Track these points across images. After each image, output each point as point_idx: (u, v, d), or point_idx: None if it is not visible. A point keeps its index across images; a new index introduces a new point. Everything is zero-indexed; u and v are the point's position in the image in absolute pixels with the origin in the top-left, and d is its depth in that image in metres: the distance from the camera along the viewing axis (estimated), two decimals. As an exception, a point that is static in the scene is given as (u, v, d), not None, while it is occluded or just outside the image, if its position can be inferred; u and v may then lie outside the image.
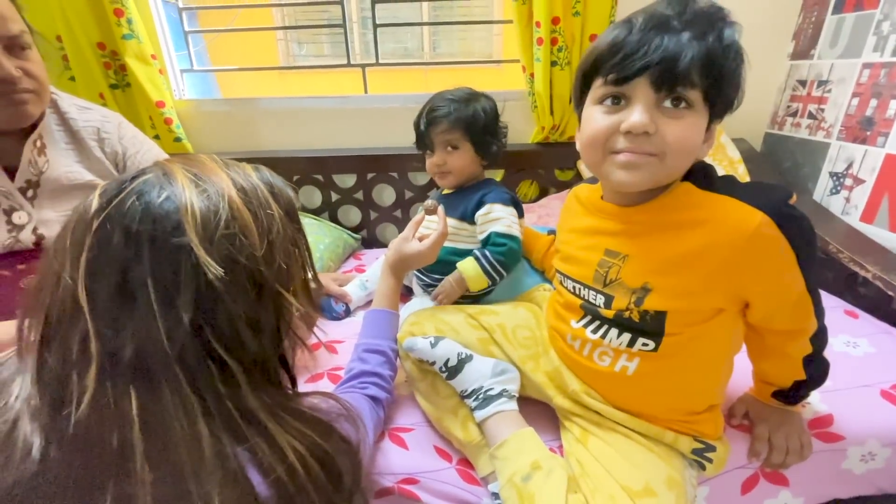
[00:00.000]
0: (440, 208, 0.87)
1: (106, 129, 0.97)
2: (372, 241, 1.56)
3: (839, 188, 1.26)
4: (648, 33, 0.52)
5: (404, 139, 1.51)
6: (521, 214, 0.96)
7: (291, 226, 0.45)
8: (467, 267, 0.90)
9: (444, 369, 0.74)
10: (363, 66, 1.58)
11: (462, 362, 0.74)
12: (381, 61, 1.59)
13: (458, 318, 0.83)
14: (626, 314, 0.62)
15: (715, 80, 0.53)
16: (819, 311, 0.62)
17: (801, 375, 0.66)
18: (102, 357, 0.35)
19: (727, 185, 0.58)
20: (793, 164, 1.41)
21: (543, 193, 1.50)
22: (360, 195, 1.50)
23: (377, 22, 1.52)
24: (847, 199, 1.23)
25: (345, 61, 1.57)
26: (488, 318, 0.84)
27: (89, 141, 0.95)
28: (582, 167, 1.44)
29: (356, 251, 1.43)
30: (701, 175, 0.60)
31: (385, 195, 1.53)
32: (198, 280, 0.37)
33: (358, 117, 1.50)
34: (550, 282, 1.02)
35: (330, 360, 0.95)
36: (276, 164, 1.43)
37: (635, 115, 0.53)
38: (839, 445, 0.73)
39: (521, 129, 1.48)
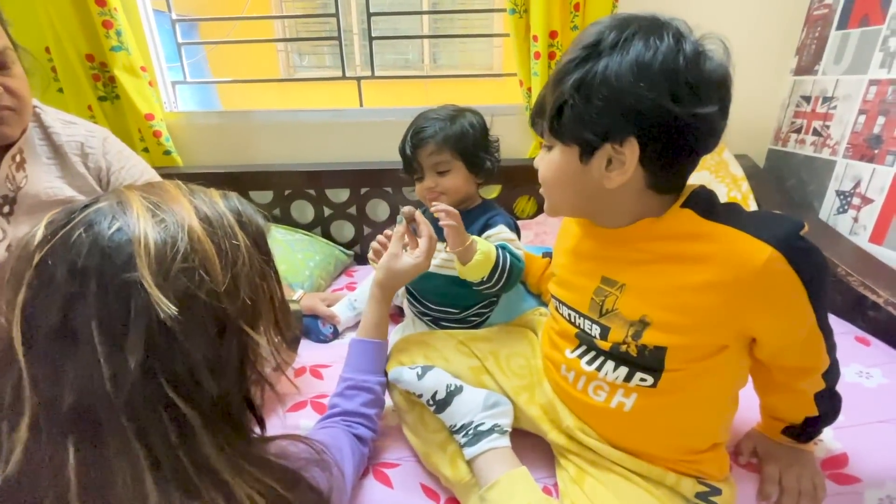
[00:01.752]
0: (418, 213, 0.80)
1: (90, 144, 0.94)
2: (365, 257, 1.52)
3: (846, 207, 1.22)
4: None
5: (397, 154, 1.48)
6: (518, 237, 0.92)
7: (259, 257, 0.41)
8: (485, 249, 0.77)
9: (431, 402, 0.70)
10: (358, 79, 1.56)
11: (451, 395, 0.70)
12: (377, 74, 1.56)
13: (449, 344, 0.79)
14: (623, 347, 0.58)
15: (552, 120, 0.54)
16: (831, 347, 0.58)
17: (814, 412, 0.62)
18: (37, 406, 0.32)
19: (732, 216, 0.54)
20: (797, 182, 1.37)
21: (541, 209, 1.46)
22: (353, 210, 1.47)
23: (373, 35, 1.50)
24: (855, 219, 1.19)
25: (340, 73, 1.55)
26: (480, 344, 0.79)
27: (72, 156, 0.92)
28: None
29: (348, 268, 1.39)
30: (702, 202, 0.56)
31: (379, 210, 1.50)
32: (149, 319, 0.33)
33: (353, 131, 1.47)
34: (547, 305, 0.98)
35: (315, 387, 0.91)
36: (269, 177, 1.41)
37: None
38: (855, 488, 0.68)
39: (519, 144, 1.45)
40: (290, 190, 1.43)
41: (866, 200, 1.16)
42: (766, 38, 1.36)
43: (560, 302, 0.70)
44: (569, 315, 0.67)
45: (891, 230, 1.10)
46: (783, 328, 0.54)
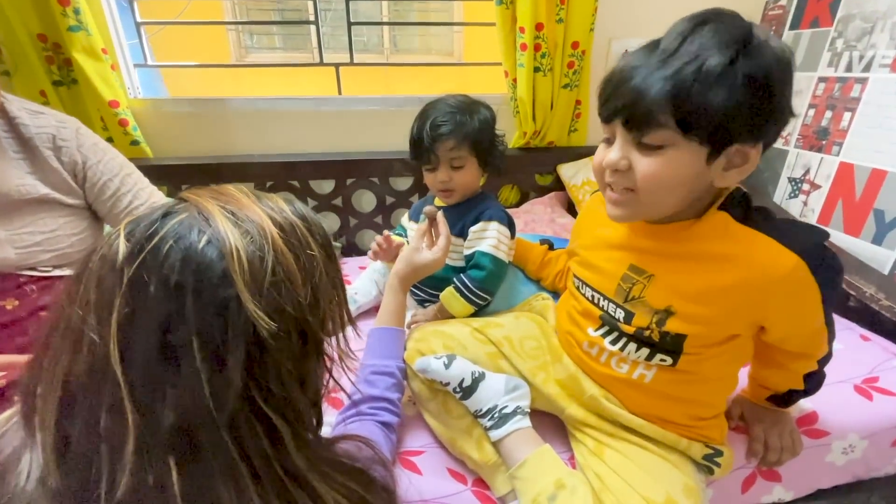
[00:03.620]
0: (440, 214, 0.85)
1: (63, 136, 0.86)
2: (352, 249, 1.50)
3: (797, 192, 1.35)
4: (629, 73, 0.53)
5: (384, 142, 1.48)
6: (513, 235, 0.95)
7: (332, 266, 0.41)
8: (447, 297, 0.90)
9: (458, 390, 0.73)
10: (336, 66, 1.51)
11: (476, 381, 0.73)
12: (347, 60, 1.52)
13: (464, 332, 0.81)
14: (647, 333, 0.63)
15: (689, 113, 0.50)
16: (831, 338, 0.65)
17: (800, 386, 0.70)
18: (140, 429, 0.31)
19: (764, 222, 0.58)
20: (754, 169, 1.50)
21: (524, 198, 1.51)
22: (338, 201, 1.44)
23: (352, 20, 1.46)
24: (805, 203, 1.33)
25: (308, 56, 1.51)
26: (494, 330, 0.83)
27: (44, 149, 0.84)
28: (562, 171, 1.46)
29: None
30: (738, 206, 0.60)
31: (364, 201, 1.48)
32: (248, 336, 0.33)
33: (334, 119, 1.44)
34: (547, 290, 1.02)
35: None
36: (248, 169, 1.35)
37: (611, 153, 0.56)
38: (824, 441, 0.78)
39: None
40: (272, 182, 1.39)
41: (815, 186, 1.30)
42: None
43: (584, 283, 0.74)
44: (592, 297, 0.72)
45: (835, 213, 1.24)
46: (795, 324, 0.61)
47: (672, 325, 0.61)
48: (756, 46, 0.50)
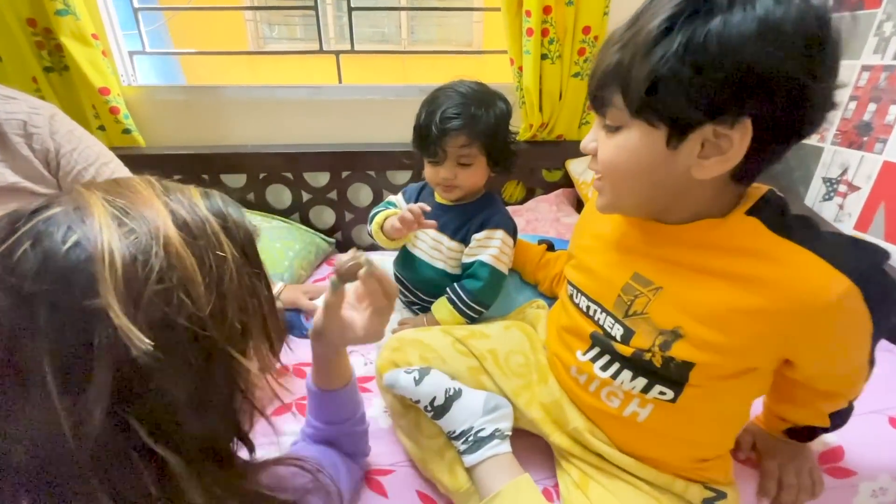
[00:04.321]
0: (365, 260, 0.50)
1: (35, 123, 0.83)
2: (347, 244, 1.45)
3: (832, 194, 1.22)
4: (601, 49, 0.50)
5: (383, 134, 1.41)
6: (514, 243, 0.87)
7: (249, 270, 0.35)
8: (440, 309, 0.84)
9: (429, 408, 0.66)
10: (337, 53, 1.45)
11: (450, 400, 0.66)
12: (356, 48, 1.46)
13: (445, 342, 0.74)
14: (647, 356, 0.55)
15: (626, 88, 0.45)
16: (869, 375, 0.55)
17: (825, 424, 0.61)
18: None
19: (808, 234, 0.47)
20: (784, 167, 1.37)
21: (530, 195, 1.42)
22: (333, 195, 1.39)
23: (352, 5, 1.39)
24: (840, 206, 1.20)
25: (317, 46, 1.44)
26: (478, 342, 0.76)
27: (13, 136, 0.81)
28: (571, 167, 1.37)
29: (330, 256, 1.32)
30: (772, 212, 0.50)
31: (362, 195, 1.43)
32: (117, 356, 0.27)
33: (332, 109, 1.38)
34: (544, 296, 0.95)
35: (299, 387, 0.85)
36: (242, 160, 1.31)
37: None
38: (851, 481, 0.68)
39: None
40: (266, 173, 1.34)
41: (853, 188, 1.16)
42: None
43: (578, 290, 0.65)
44: (587, 308, 0.63)
45: (876, 218, 1.11)
46: (832, 361, 0.51)
47: (678, 351, 0.52)
48: (718, 6, 0.40)
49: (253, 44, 4.06)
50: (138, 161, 1.27)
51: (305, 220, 1.41)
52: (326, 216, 1.44)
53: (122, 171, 0.93)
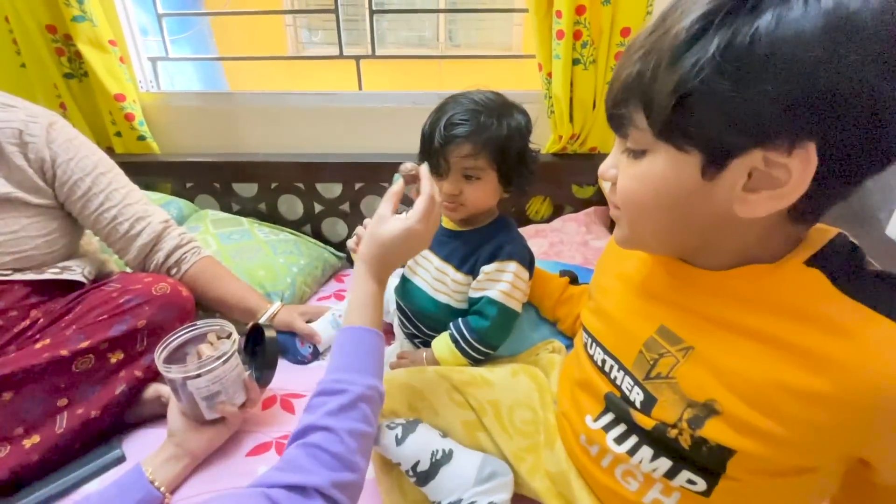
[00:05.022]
0: (423, 169, 0.61)
1: (31, 132, 0.80)
2: (359, 259, 1.38)
3: (921, 224, 1.03)
4: (622, 58, 0.41)
5: (400, 144, 1.33)
6: (530, 275, 0.76)
7: None
8: (441, 348, 0.74)
9: (411, 473, 0.56)
10: (357, 59, 1.39)
11: (437, 465, 0.56)
12: (379, 53, 1.39)
13: (440, 390, 0.65)
14: (672, 433, 0.43)
15: (649, 103, 0.36)
16: None
17: None
18: None
19: (892, 298, 0.36)
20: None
21: (557, 212, 1.30)
22: (346, 206, 1.32)
23: (374, 8, 1.32)
24: (932, 239, 1.01)
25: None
26: (478, 391, 0.65)
27: (8, 145, 0.79)
28: (604, 183, 1.23)
29: (339, 272, 1.25)
30: (843, 264, 0.38)
31: (377, 207, 1.34)
32: None
33: (350, 117, 1.32)
34: (563, 335, 0.83)
35: (283, 423, 0.78)
36: (255, 168, 1.27)
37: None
38: None
39: (536, 137, 1.27)
40: (277, 183, 1.29)
41: (949, 217, 0.97)
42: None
43: (593, 339, 0.55)
44: (602, 362, 0.53)
45: (979, 255, 0.92)
46: None
47: (713, 431, 0.41)
48: (768, 2, 0.31)
49: (293, 49, 4.13)
50: (151, 168, 1.26)
51: (317, 233, 1.35)
52: (339, 228, 1.37)
53: (121, 181, 0.90)
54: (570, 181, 1.29)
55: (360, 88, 1.41)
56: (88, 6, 1.09)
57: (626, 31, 1.07)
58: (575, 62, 1.09)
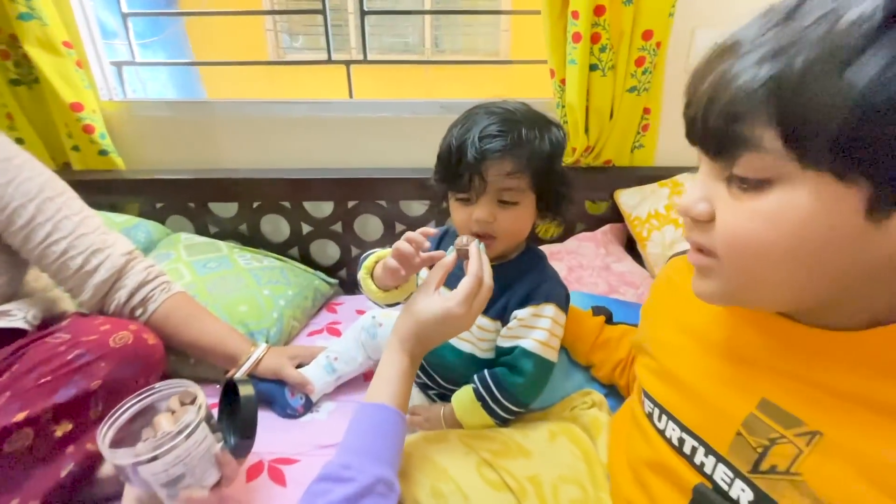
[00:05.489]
0: (473, 246, 0.55)
1: None
2: (353, 285, 1.25)
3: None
4: (716, 58, 0.32)
5: (397, 157, 1.22)
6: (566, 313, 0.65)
7: None
8: (463, 405, 0.63)
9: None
10: (347, 63, 1.27)
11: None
12: (370, 58, 1.28)
13: (468, 465, 0.53)
14: None
15: (803, 120, 0.27)
16: None
17: None
18: None
19: None
20: None
21: (568, 231, 1.20)
22: (338, 227, 1.19)
23: (366, 10, 1.21)
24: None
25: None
26: (513, 464, 0.54)
27: None
28: (621, 199, 1.14)
29: (331, 300, 1.12)
30: None
31: (370, 227, 1.23)
32: None
33: (340, 128, 1.19)
34: (598, 382, 0.72)
35: (272, 499, 0.65)
36: (235, 186, 1.14)
37: (686, 192, 0.38)
38: None
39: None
40: (260, 201, 1.16)
41: None
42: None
43: (662, 410, 0.45)
44: (679, 442, 0.42)
45: None
46: None
47: None
48: None
49: (273, 55, 3.97)
50: (115, 187, 1.11)
51: (306, 257, 1.22)
52: (330, 251, 1.24)
53: (74, 206, 0.75)
54: (583, 197, 1.19)
55: (351, 96, 1.29)
56: (37, 2, 0.94)
57: (647, 34, 0.97)
58: (592, 68, 0.99)
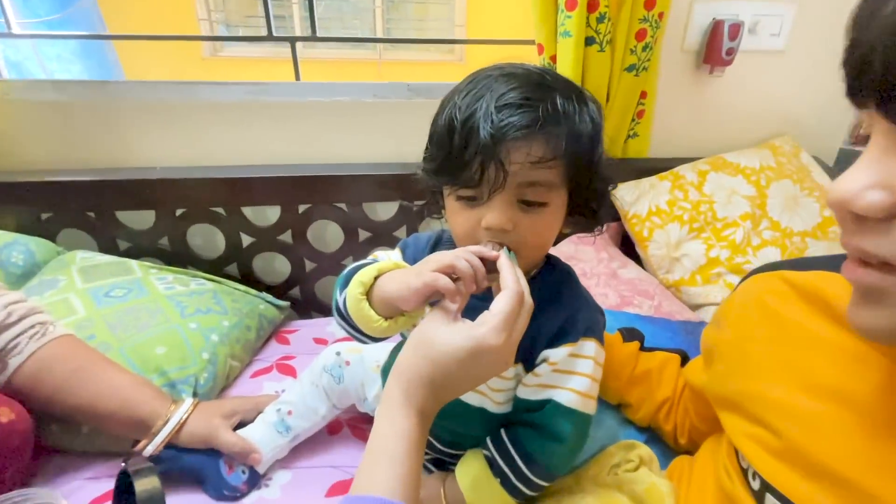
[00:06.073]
0: (503, 257, 0.39)
1: None
2: (308, 306, 1.04)
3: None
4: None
5: (357, 151, 1.02)
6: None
7: None
8: (475, 482, 0.46)
9: None
10: (292, 40, 1.06)
11: None
12: (319, 35, 1.07)
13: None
14: None
15: None
16: None
17: None
18: None
19: None
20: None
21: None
22: (287, 236, 0.98)
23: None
24: None
25: (271, 31, 1.04)
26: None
27: None
28: (616, 194, 1.00)
29: (281, 327, 0.91)
30: None
31: (329, 235, 1.03)
32: None
33: (287, 116, 0.98)
34: (634, 425, 0.57)
35: None
36: (151, 189, 0.90)
37: (849, 174, 0.25)
38: None
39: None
40: (186, 208, 0.93)
41: None
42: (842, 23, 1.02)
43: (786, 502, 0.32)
44: None
45: None
46: None
47: None
48: None
49: (208, 50, 3.62)
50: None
51: (248, 275, 1.00)
52: (279, 266, 1.03)
53: None
54: (573, 193, 1.05)
55: (298, 78, 1.08)
56: None
57: (650, 2, 0.84)
58: (588, 41, 0.85)
